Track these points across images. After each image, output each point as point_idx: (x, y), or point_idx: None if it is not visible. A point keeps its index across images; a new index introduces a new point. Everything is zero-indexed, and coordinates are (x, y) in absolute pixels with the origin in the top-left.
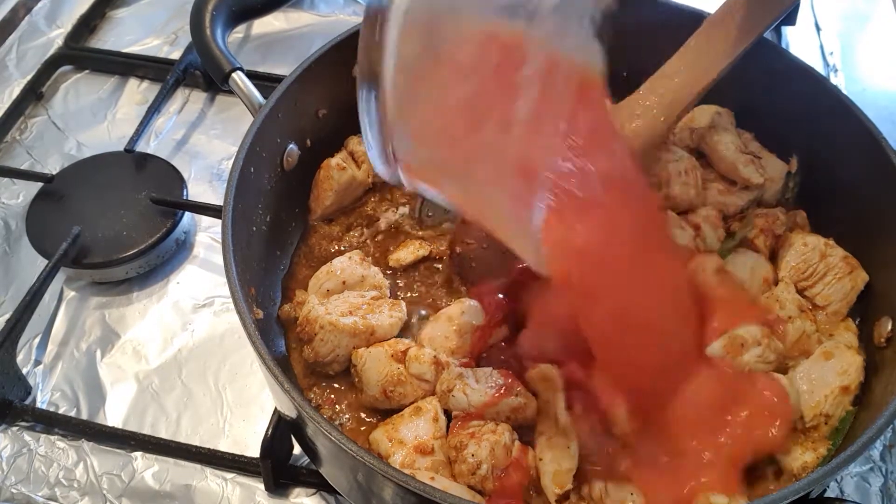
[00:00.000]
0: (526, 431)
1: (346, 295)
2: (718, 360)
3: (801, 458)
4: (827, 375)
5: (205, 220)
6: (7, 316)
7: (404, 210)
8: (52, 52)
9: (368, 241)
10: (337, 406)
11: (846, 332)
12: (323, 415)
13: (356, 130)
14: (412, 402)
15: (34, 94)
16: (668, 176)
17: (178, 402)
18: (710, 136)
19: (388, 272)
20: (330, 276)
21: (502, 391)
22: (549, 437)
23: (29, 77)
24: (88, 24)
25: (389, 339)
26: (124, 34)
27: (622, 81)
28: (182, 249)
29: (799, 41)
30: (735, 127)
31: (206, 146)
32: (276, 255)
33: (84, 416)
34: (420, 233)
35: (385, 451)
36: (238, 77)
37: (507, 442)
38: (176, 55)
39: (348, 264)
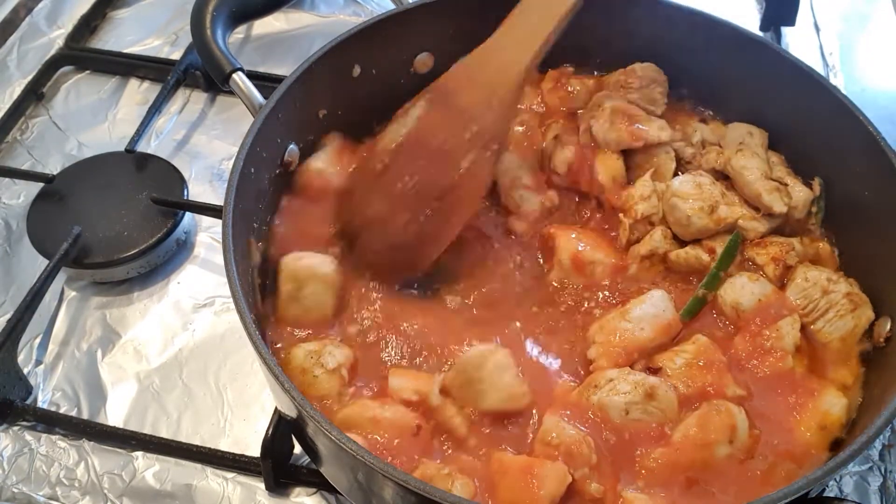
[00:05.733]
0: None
1: None
2: None
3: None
4: None
5: (205, 220)
6: (8, 316)
7: None
8: (52, 52)
9: None
10: None
11: (844, 370)
12: None
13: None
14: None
15: (35, 94)
16: (685, 211)
17: (178, 402)
18: (737, 161)
19: None
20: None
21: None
22: None
23: (30, 77)
24: (89, 24)
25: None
26: (125, 34)
27: None
28: (183, 249)
29: (798, 41)
30: (766, 149)
31: (207, 146)
32: None
33: (85, 416)
34: None
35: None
36: (238, 77)
37: None
38: (176, 56)
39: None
